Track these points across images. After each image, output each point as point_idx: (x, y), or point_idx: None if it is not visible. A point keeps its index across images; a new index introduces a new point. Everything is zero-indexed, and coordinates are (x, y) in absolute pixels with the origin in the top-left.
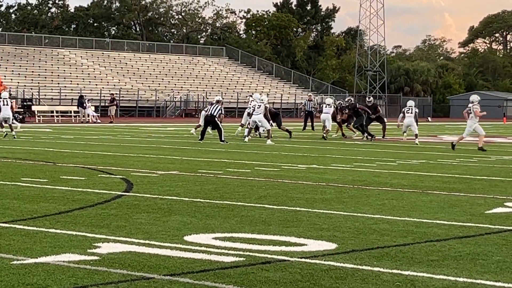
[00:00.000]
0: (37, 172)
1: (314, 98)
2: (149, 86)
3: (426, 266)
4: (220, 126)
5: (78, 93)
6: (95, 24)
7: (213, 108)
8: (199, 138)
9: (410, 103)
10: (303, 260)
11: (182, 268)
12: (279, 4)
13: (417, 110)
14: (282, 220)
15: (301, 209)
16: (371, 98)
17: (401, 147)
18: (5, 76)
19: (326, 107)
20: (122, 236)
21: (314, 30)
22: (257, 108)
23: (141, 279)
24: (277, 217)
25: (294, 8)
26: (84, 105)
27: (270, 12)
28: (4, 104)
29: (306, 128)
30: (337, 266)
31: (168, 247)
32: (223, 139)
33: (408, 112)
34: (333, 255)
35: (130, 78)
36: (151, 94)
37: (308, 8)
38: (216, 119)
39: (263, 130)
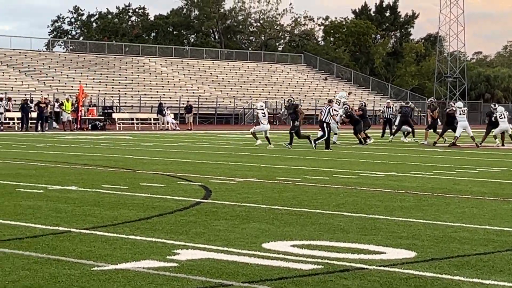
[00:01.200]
0: (117, 179)
1: (393, 105)
2: (227, 93)
3: (508, 275)
4: (326, 131)
5: (158, 100)
6: (174, 32)
7: (324, 112)
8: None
9: (501, 109)
10: (381, 268)
11: (261, 276)
12: (357, 10)
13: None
14: (360, 228)
15: (380, 217)
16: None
17: (481, 154)
18: (86, 84)
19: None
20: (201, 243)
21: (393, 36)
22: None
23: (220, 286)
24: (355, 225)
25: (373, 14)
26: (164, 112)
27: (348, 19)
28: None
29: (385, 135)
30: (417, 274)
31: (247, 254)
32: (316, 143)
33: (502, 118)
34: (412, 264)
35: (208, 85)
36: (230, 102)
37: (387, 14)
38: (324, 123)
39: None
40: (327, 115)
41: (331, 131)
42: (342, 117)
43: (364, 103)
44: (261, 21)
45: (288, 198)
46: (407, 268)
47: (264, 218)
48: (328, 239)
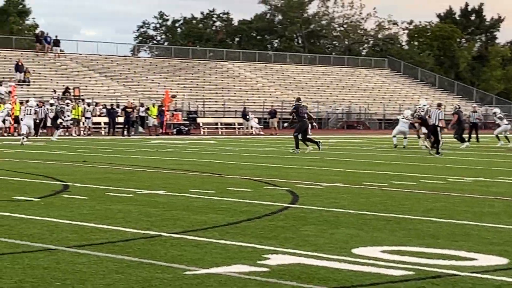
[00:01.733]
0: (204, 184)
1: (479, 109)
2: (311, 98)
3: None
4: (440, 138)
5: (242, 105)
6: (258, 37)
7: (434, 116)
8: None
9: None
10: (474, 275)
11: (352, 281)
12: (442, 14)
13: None
14: (450, 234)
15: (470, 222)
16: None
17: None
18: (171, 89)
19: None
20: (290, 248)
21: (478, 40)
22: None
23: None
24: (445, 231)
25: (458, 18)
26: (247, 117)
27: (433, 23)
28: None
29: (471, 140)
30: (510, 282)
31: (336, 259)
32: (439, 151)
33: None
34: (505, 270)
35: (292, 90)
36: (313, 106)
37: (472, 18)
38: (436, 128)
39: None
40: (438, 119)
41: (404, 134)
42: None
43: (459, 106)
44: (344, 26)
45: (376, 203)
46: (500, 275)
47: (352, 223)
48: (417, 244)
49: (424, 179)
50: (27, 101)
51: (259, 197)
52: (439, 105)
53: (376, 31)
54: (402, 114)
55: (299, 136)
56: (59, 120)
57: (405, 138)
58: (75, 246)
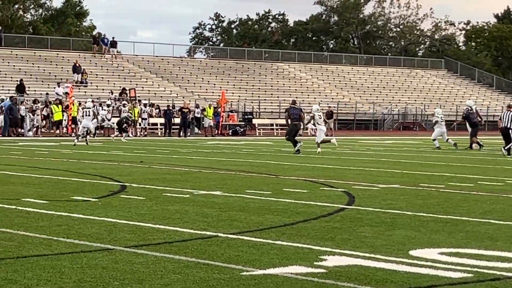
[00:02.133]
0: (260, 184)
1: None
2: (366, 99)
3: None
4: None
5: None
6: (313, 38)
7: (505, 119)
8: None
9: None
10: None
11: (409, 283)
12: (500, 15)
13: None
14: (509, 236)
15: None
16: None
17: None
18: (226, 90)
19: None
20: (347, 249)
21: None
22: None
23: None
24: (504, 233)
25: None
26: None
27: (490, 23)
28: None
29: None
30: None
31: (394, 261)
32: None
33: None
34: None
35: (348, 91)
36: (369, 107)
37: None
38: (509, 130)
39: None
40: (509, 121)
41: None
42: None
43: None
44: (401, 26)
45: (433, 205)
46: None
47: (409, 225)
48: (476, 247)
49: (482, 180)
50: (86, 103)
51: (315, 198)
52: (510, 106)
53: (433, 32)
54: (439, 115)
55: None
56: (125, 125)
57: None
58: (133, 246)
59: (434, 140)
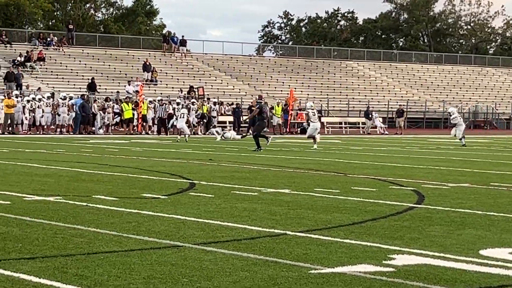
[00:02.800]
0: (329, 183)
1: None
2: (436, 97)
3: None
4: None
5: (366, 104)
6: (383, 36)
7: None
8: None
9: None
10: None
11: (479, 283)
12: None
13: None
14: None
15: None
16: None
17: None
18: (295, 88)
19: None
20: (416, 248)
21: None
22: None
23: None
24: None
25: None
26: (370, 116)
27: None
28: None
29: None
30: None
31: (464, 260)
32: None
33: None
34: None
35: (417, 89)
36: (439, 106)
37: None
38: None
39: None
40: None
41: None
42: None
43: None
44: (471, 24)
45: (504, 205)
46: None
47: (480, 224)
48: None
49: None
50: (178, 104)
51: (384, 196)
52: None
53: (504, 29)
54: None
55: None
56: (213, 125)
57: None
58: (201, 243)
59: None
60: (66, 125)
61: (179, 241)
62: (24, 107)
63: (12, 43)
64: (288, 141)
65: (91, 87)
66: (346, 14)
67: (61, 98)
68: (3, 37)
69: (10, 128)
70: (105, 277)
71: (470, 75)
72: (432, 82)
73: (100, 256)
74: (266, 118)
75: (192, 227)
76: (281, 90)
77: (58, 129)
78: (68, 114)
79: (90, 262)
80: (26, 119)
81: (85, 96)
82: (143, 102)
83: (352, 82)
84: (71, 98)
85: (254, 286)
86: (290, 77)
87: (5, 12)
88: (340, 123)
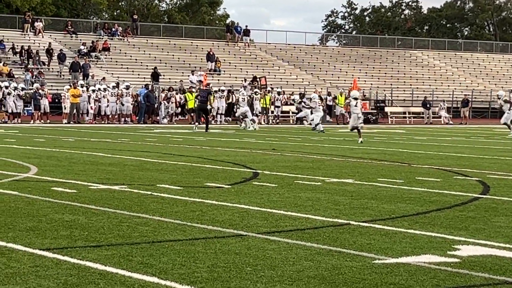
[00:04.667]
0: (393, 173)
1: None
2: (502, 87)
3: None
4: None
5: (430, 94)
6: (447, 25)
7: None
8: None
9: None
10: None
11: None
12: None
13: None
14: None
15: None
16: None
17: None
18: (359, 77)
19: None
20: (482, 239)
21: None
22: None
23: (504, 283)
24: None
25: None
26: (428, 106)
27: None
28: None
29: None
30: None
31: None
32: None
33: None
34: None
35: (482, 79)
36: (506, 95)
37: None
38: None
39: None
40: None
41: None
42: None
43: None
44: None
45: None
46: None
47: None
48: None
49: None
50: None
51: (448, 187)
52: None
53: None
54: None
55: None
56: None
57: None
58: (265, 232)
59: None
60: (130, 114)
61: (243, 230)
62: (89, 97)
63: (78, 33)
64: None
65: (154, 76)
66: (410, 3)
67: (124, 88)
68: (69, 27)
69: (75, 118)
70: (170, 266)
71: None
72: (497, 72)
73: (164, 245)
74: (202, 102)
75: (255, 217)
76: (344, 80)
77: (123, 119)
78: (131, 104)
79: (155, 251)
80: (92, 109)
81: (149, 86)
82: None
83: (416, 72)
84: (127, 88)
85: (318, 275)
86: (354, 67)
87: (71, 3)
88: (404, 113)
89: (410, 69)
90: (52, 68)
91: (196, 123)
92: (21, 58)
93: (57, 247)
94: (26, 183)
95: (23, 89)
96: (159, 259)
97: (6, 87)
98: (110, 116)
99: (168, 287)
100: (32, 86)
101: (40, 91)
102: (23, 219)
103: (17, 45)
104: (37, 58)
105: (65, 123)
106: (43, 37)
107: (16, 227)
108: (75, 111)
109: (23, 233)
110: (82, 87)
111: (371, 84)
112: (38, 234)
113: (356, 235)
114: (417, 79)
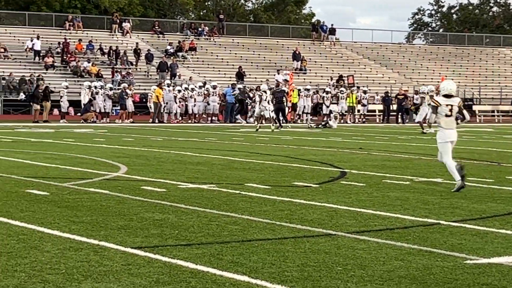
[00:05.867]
0: (482, 172)
1: None
2: None
3: None
4: None
5: None
6: None
7: None
8: None
9: None
10: None
11: None
12: None
13: None
14: None
15: None
16: None
17: None
18: (446, 76)
19: None
20: None
21: None
22: None
23: None
24: None
25: None
26: None
27: None
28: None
29: None
30: None
31: None
32: None
33: None
34: None
35: None
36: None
37: None
38: None
39: None
40: None
41: None
42: None
43: None
44: None
45: None
46: None
47: None
48: None
49: None
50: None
51: None
52: None
53: None
54: None
55: None
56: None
57: None
58: (354, 232)
59: None
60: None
61: (332, 229)
62: (175, 96)
63: (165, 33)
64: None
65: (239, 76)
66: (498, 0)
67: (211, 87)
68: (156, 27)
69: (159, 117)
70: (260, 265)
71: None
72: None
73: (254, 244)
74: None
75: (344, 216)
76: (431, 78)
77: (209, 118)
78: (218, 103)
79: (244, 249)
80: (179, 108)
81: (235, 85)
82: (293, 91)
83: (505, 70)
84: (214, 87)
85: (408, 275)
86: (441, 65)
87: (158, 3)
88: (492, 111)
89: (499, 67)
90: (140, 68)
91: (276, 124)
92: (109, 58)
93: (148, 245)
94: (116, 182)
95: (111, 89)
96: (249, 258)
97: (95, 87)
98: (197, 116)
99: (259, 285)
100: (120, 86)
101: (127, 90)
102: (115, 217)
103: (105, 46)
104: (124, 58)
105: (151, 122)
106: (130, 37)
107: (108, 226)
108: (162, 110)
109: (114, 231)
110: (168, 86)
111: (459, 82)
112: (129, 232)
113: (447, 234)
114: (505, 77)
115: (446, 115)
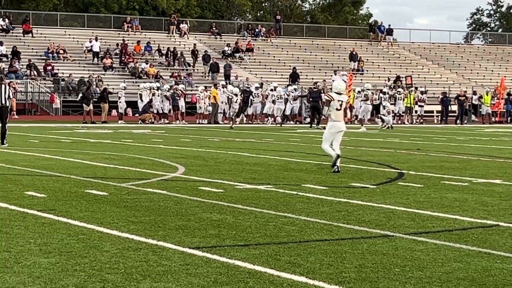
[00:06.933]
0: None
1: None
2: None
3: None
4: None
5: None
6: None
7: None
8: None
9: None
10: None
11: None
12: None
13: None
14: None
15: None
16: None
17: None
18: (505, 76)
19: None
20: None
21: None
22: None
23: None
24: None
25: None
26: None
27: None
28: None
29: None
30: None
31: None
32: None
33: None
34: None
35: None
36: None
37: None
38: None
39: None
40: None
41: None
42: None
43: None
44: None
45: None
46: None
47: None
48: None
49: None
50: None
51: None
52: None
53: None
54: None
55: None
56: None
57: None
58: (412, 233)
59: None
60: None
61: (390, 230)
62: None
63: (222, 34)
64: (498, 131)
65: (293, 77)
66: None
67: (271, 90)
68: (213, 28)
69: (215, 118)
70: (317, 265)
71: None
72: None
73: (311, 244)
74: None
75: (402, 217)
76: (490, 79)
77: (266, 119)
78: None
79: (302, 250)
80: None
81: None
82: (350, 92)
83: None
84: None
85: (467, 277)
86: (500, 65)
87: (215, 4)
88: None
89: None
90: (197, 69)
91: (314, 124)
92: (167, 59)
93: (206, 245)
94: (174, 183)
95: (168, 89)
96: (306, 259)
97: (153, 88)
98: (254, 116)
99: (316, 286)
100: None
101: (178, 91)
102: (173, 217)
103: (163, 47)
104: (182, 59)
105: (206, 123)
106: (188, 38)
107: (166, 226)
108: (219, 110)
109: (172, 231)
110: (223, 87)
111: None
112: (187, 232)
113: (506, 236)
114: None
115: (337, 109)
